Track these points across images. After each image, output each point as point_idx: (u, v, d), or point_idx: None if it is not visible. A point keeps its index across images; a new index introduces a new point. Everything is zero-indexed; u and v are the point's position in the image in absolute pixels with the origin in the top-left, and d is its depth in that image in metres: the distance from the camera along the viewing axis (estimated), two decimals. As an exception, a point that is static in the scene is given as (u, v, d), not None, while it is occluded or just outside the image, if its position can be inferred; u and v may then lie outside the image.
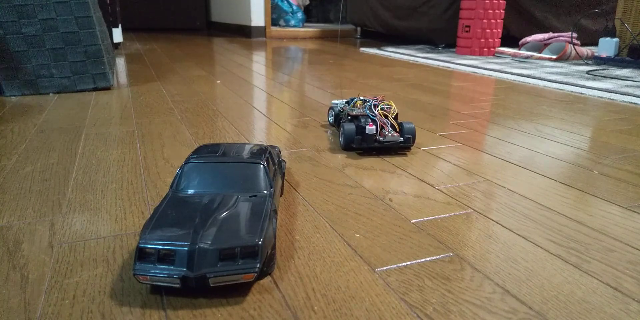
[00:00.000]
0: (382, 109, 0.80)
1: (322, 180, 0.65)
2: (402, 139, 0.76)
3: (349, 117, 0.81)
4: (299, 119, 1.01)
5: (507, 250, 0.47)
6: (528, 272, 0.43)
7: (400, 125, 0.78)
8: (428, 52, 2.44)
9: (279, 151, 0.62)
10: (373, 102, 0.81)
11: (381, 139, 0.75)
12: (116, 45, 2.41)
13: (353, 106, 0.84)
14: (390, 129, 0.77)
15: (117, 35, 2.31)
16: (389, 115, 0.79)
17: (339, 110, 0.90)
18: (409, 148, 0.80)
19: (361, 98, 0.87)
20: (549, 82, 1.51)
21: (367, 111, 0.79)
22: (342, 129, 0.78)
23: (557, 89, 1.43)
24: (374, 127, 0.75)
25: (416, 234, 0.50)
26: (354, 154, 0.77)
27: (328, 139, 0.86)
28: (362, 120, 0.77)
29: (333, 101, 0.93)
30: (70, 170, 0.68)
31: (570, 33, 2.10)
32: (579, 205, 0.58)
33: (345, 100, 0.92)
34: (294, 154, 0.77)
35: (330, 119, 0.95)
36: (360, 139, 0.76)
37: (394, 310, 0.38)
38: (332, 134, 0.90)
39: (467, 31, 2.31)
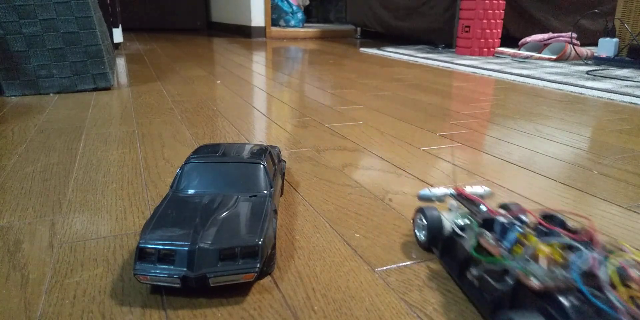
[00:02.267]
0: (617, 270, 0.30)
1: (322, 180, 0.65)
2: None
3: (533, 293, 0.31)
4: (299, 119, 1.01)
5: (506, 250, 0.47)
6: (528, 272, 0.43)
7: None
8: (428, 53, 2.44)
9: (279, 151, 0.62)
10: (597, 254, 0.31)
11: None
12: (116, 46, 2.41)
13: (518, 246, 0.34)
14: None
15: (118, 35, 2.31)
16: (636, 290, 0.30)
17: (453, 228, 0.42)
18: None
19: (524, 219, 0.37)
20: (548, 82, 1.51)
21: (578, 280, 0.30)
22: None
23: (556, 89, 1.43)
24: None
25: (416, 234, 0.50)
26: (352, 153, 0.77)
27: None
28: (571, 306, 0.29)
29: (422, 192, 0.47)
30: (71, 170, 0.68)
31: (570, 33, 2.10)
32: (579, 206, 0.58)
33: (459, 198, 0.44)
34: (294, 154, 0.77)
35: (420, 233, 0.46)
36: None
37: (394, 310, 0.38)
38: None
39: (467, 31, 2.31)
